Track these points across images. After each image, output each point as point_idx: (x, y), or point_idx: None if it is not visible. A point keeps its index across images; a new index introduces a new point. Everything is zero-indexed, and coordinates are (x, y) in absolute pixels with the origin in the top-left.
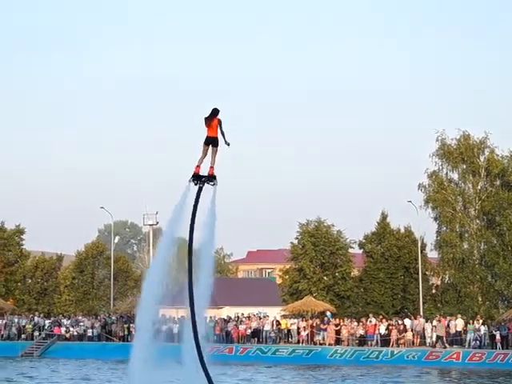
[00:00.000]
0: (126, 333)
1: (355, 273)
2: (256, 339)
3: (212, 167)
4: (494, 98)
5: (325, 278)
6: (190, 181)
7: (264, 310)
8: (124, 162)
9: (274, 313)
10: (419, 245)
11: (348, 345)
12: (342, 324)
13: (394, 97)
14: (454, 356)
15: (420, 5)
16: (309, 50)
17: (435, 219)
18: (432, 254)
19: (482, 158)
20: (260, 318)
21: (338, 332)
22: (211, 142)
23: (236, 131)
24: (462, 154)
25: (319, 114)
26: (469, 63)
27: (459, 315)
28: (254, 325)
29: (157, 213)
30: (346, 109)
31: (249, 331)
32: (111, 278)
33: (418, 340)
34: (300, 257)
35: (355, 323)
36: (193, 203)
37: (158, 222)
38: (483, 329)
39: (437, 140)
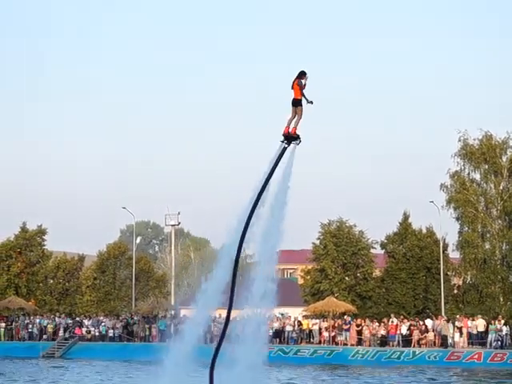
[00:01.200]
0: (147, 333)
1: (377, 273)
2: (278, 340)
3: (295, 127)
4: None
5: (346, 278)
6: (281, 141)
7: (286, 310)
8: (147, 161)
9: (295, 313)
10: (441, 245)
11: (370, 345)
12: (363, 324)
13: (417, 96)
14: (476, 356)
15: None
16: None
17: (457, 219)
18: (454, 255)
19: (504, 158)
20: (282, 319)
21: (359, 332)
22: (294, 103)
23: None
24: (484, 154)
25: (343, 112)
26: (492, 63)
27: (479, 315)
28: (275, 325)
29: (179, 213)
30: (370, 107)
31: (270, 331)
32: (133, 278)
33: (440, 340)
34: (322, 257)
35: (377, 323)
36: (274, 160)
37: (179, 223)
38: (505, 329)
39: (459, 140)
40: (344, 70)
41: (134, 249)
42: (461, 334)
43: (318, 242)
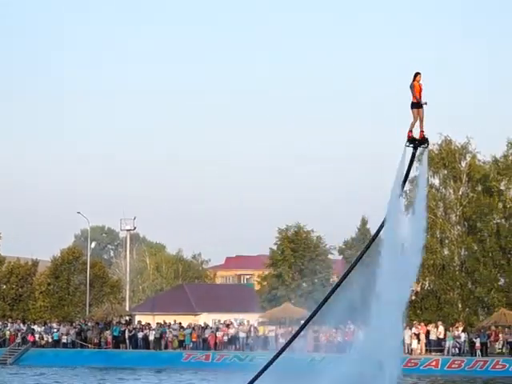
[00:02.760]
0: (101, 339)
1: (335, 279)
2: (233, 346)
3: (422, 131)
4: (475, 103)
5: (303, 284)
6: (406, 145)
7: (242, 316)
8: (102, 165)
9: (252, 319)
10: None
11: (326, 352)
12: (320, 331)
13: (377, 101)
14: (433, 363)
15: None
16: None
17: None
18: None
19: (463, 164)
20: (237, 325)
21: (316, 339)
22: (413, 105)
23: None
24: (443, 159)
25: (298, 119)
26: (452, 68)
27: (439, 322)
28: (231, 331)
29: (134, 218)
30: (329, 113)
31: (226, 338)
32: (87, 283)
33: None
34: (279, 263)
35: (334, 330)
36: (405, 167)
37: (135, 228)
38: (463, 336)
39: None
40: (301, 71)
41: (89, 254)
42: (418, 340)
43: (275, 248)
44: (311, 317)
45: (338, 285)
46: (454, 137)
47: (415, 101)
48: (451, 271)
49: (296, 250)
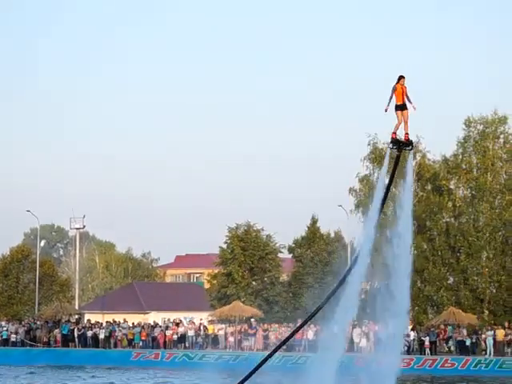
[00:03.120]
0: (50, 338)
1: (284, 278)
2: (183, 345)
3: (407, 133)
4: (425, 102)
5: (253, 282)
6: (389, 147)
7: (192, 315)
8: (52, 164)
9: (201, 318)
10: (349, 250)
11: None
12: (269, 329)
13: (326, 100)
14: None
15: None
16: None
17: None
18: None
19: (413, 163)
20: (187, 324)
21: (265, 337)
22: (397, 107)
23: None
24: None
25: (245, 117)
26: (402, 67)
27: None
28: (180, 330)
29: (84, 216)
30: (278, 112)
31: (175, 337)
32: (36, 282)
33: (347, 346)
34: (229, 261)
35: (283, 328)
36: (390, 169)
37: (84, 226)
38: (412, 334)
39: (368, 144)
40: (252, 73)
41: (38, 252)
42: (367, 339)
43: (225, 246)
44: (305, 321)
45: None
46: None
47: (399, 103)
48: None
49: (246, 249)
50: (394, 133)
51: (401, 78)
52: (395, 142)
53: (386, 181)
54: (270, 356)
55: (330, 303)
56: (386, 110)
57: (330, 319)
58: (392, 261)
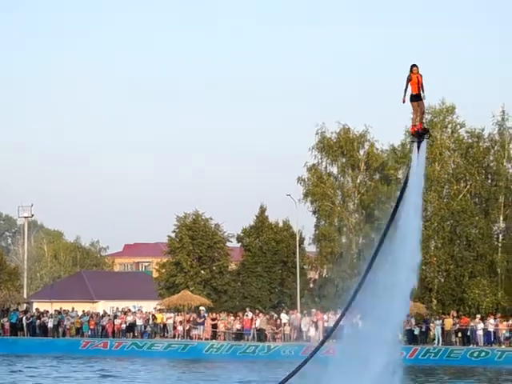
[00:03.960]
0: None
1: (233, 267)
2: (131, 334)
3: (421, 122)
4: (373, 92)
5: (202, 271)
6: (411, 141)
7: (140, 304)
8: None
9: (150, 307)
10: (297, 238)
11: (224, 339)
12: (218, 318)
13: (274, 89)
14: (331, 351)
15: None
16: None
17: (314, 213)
18: (310, 248)
19: (361, 152)
20: (135, 312)
21: (214, 326)
22: (413, 98)
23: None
24: (341, 147)
25: (192, 104)
26: (351, 56)
27: (340, 310)
28: (129, 319)
29: (32, 205)
30: (227, 101)
31: (124, 326)
32: None
33: (295, 334)
34: (177, 250)
35: (232, 317)
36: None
37: (33, 215)
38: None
39: (316, 133)
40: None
41: None
42: (316, 328)
43: (173, 235)
44: (346, 308)
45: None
46: (352, 125)
47: (415, 93)
48: (349, 259)
49: (194, 238)
50: (414, 125)
51: (413, 66)
52: (415, 134)
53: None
54: (318, 348)
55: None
56: (403, 102)
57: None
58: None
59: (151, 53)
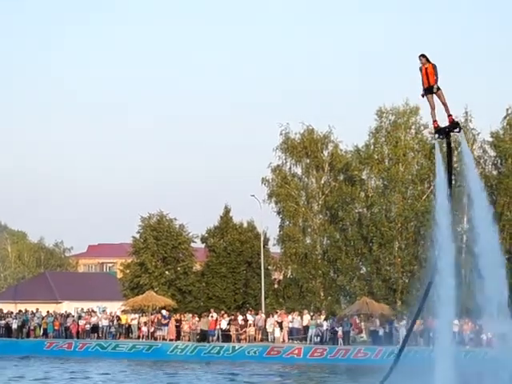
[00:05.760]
0: None
1: (197, 267)
2: (96, 334)
3: (450, 115)
4: (337, 93)
5: (166, 272)
6: (434, 138)
7: (104, 304)
8: None
9: (114, 308)
10: (262, 239)
11: (189, 340)
12: (183, 319)
13: (238, 91)
14: (296, 351)
15: None
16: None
17: (278, 214)
18: (275, 249)
19: (325, 153)
20: (100, 313)
21: (178, 327)
22: (427, 91)
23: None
24: (305, 148)
25: (159, 106)
26: (313, 55)
27: (306, 311)
28: (93, 320)
29: None
30: (192, 101)
31: (88, 326)
32: None
33: (260, 335)
34: (141, 251)
35: (196, 318)
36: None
37: None
38: (325, 324)
39: (280, 134)
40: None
41: None
42: (281, 328)
43: (137, 236)
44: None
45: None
46: (316, 126)
47: (425, 86)
48: (313, 260)
49: (159, 239)
50: (435, 121)
51: (420, 57)
52: (439, 130)
53: (442, 173)
54: (402, 349)
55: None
56: (422, 96)
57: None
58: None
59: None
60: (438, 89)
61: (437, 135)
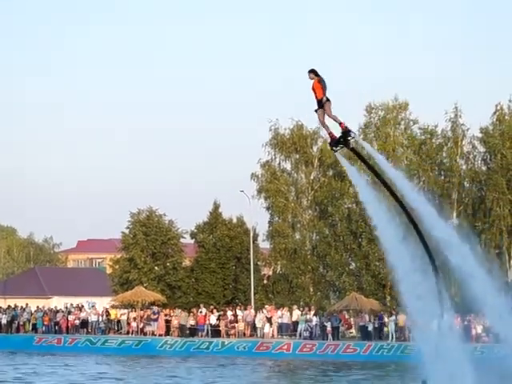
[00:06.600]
0: None
1: (187, 263)
2: (85, 330)
3: (341, 123)
4: (327, 87)
5: (156, 268)
6: (334, 151)
7: (94, 300)
8: None
9: (103, 303)
10: (251, 235)
11: (178, 335)
12: (172, 314)
13: (228, 85)
14: (285, 347)
15: None
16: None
17: (267, 209)
18: (264, 245)
19: (315, 148)
20: (89, 309)
21: (168, 322)
22: (319, 105)
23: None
24: (295, 143)
25: (150, 105)
26: (306, 52)
27: (295, 306)
28: (83, 315)
29: None
30: (179, 98)
31: (78, 322)
32: None
33: (249, 331)
34: (131, 246)
35: (186, 313)
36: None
37: None
38: (315, 319)
39: (270, 129)
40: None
41: None
42: (270, 324)
43: (127, 231)
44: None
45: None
46: (305, 122)
47: (317, 100)
48: (303, 255)
49: (148, 234)
50: (330, 132)
51: (309, 72)
52: (334, 142)
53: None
54: None
55: None
56: (315, 111)
57: None
58: None
59: None
60: (327, 100)
61: (334, 146)
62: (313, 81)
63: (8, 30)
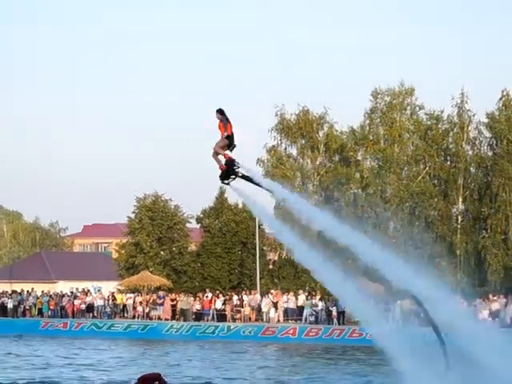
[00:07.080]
0: None
1: (192, 248)
2: (91, 314)
3: (225, 154)
4: (333, 73)
5: (162, 252)
6: (225, 184)
7: (100, 284)
8: None
9: (109, 287)
10: (257, 220)
11: (184, 320)
12: (178, 299)
13: (233, 71)
14: (291, 331)
15: None
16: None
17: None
18: (269, 230)
19: (321, 134)
20: (95, 293)
21: (174, 307)
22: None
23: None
24: (301, 129)
25: (150, 91)
26: (310, 38)
27: (301, 291)
28: (88, 299)
29: None
30: (184, 84)
31: (83, 306)
32: None
33: (255, 315)
34: (137, 231)
35: (191, 298)
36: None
37: None
38: (320, 304)
39: (276, 115)
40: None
41: None
42: (276, 309)
43: (133, 216)
44: None
45: None
46: (311, 107)
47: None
48: (308, 240)
49: (154, 219)
50: (221, 165)
51: (216, 112)
52: (223, 173)
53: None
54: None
55: None
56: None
57: None
58: None
59: None
60: (227, 136)
61: (225, 181)
62: (218, 120)
63: None
